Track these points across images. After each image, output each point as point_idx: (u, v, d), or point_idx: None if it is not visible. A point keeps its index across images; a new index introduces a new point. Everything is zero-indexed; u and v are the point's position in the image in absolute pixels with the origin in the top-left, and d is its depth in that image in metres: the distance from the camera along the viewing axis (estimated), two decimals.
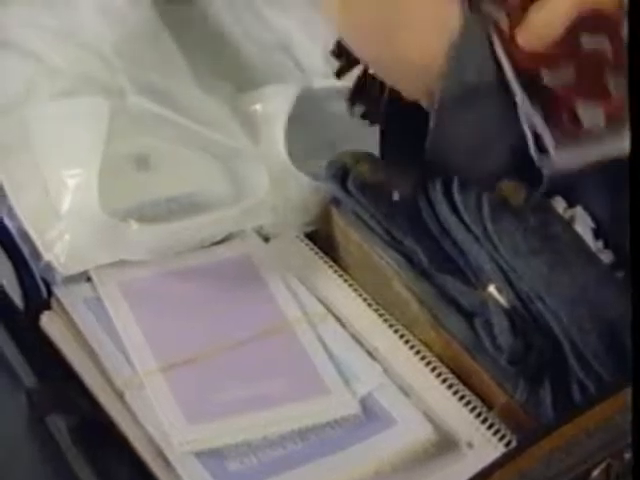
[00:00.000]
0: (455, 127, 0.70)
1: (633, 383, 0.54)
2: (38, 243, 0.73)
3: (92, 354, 0.71)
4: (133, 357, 0.71)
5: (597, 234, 0.82)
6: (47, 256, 0.73)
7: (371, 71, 0.75)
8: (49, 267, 0.73)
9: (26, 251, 0.74)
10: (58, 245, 0.72)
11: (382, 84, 0.75)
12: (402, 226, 0.76)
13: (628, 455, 0.60)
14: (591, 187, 0.82)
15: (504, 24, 0.66)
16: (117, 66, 0.79)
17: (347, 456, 0.69)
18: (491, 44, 0.66)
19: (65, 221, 0.72)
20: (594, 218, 0.82)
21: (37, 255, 0.73)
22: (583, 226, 0.82)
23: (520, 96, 0.66)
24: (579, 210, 0.82)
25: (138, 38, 0.82)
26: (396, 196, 0.75)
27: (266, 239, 0.80)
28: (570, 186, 0.82)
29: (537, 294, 0.71)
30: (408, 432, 0.70)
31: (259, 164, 0.79)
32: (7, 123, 0.76)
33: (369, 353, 0.75)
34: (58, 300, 0.74)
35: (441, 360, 0.74)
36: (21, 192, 0.74)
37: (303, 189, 0.81)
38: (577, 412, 0.63)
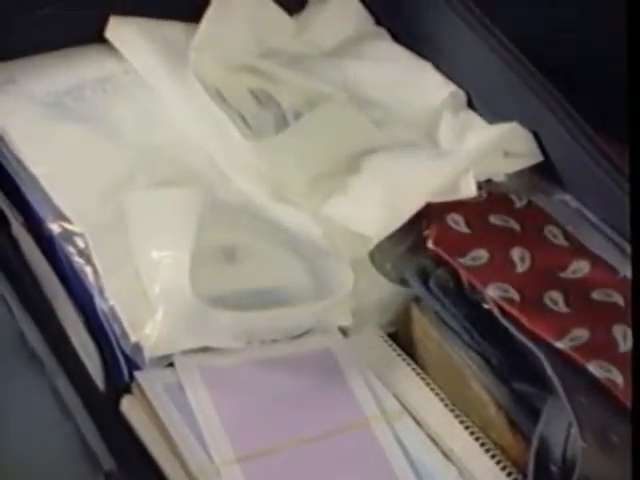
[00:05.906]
0: None
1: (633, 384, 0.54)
2: (127, 324, 0.74)
3: (170, 440, 0.72)
4: (210, 445, 0.72)
5: None
6: (136, 337, 0.74)
7: None
8: (137, 348, 0.74)
9: (115, 332, 0.74)
10: (148, 326, 0.73)
11: None
12: (483, 329, 0.77)
13: None
14: None
15: None
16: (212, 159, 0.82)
17: None
18: None
19: (156, 303, 0.73)
20: None
21: (125, 336, 0.74)
22: None
23: None
24: None
25: None
26: (486, 305, 0.76)
27: (346, 334, 0.81)
28: None
29: None
30: None
31: (344, 263, 0.79)
32: (106, 207, 0.77)
33: (445, 454, 0.74)
34: (139, 384, 0.74)
35: (517, 465, 0.73)
36: (113, 274, 0.75)
37: (384, 290, 0.82)
38: None
